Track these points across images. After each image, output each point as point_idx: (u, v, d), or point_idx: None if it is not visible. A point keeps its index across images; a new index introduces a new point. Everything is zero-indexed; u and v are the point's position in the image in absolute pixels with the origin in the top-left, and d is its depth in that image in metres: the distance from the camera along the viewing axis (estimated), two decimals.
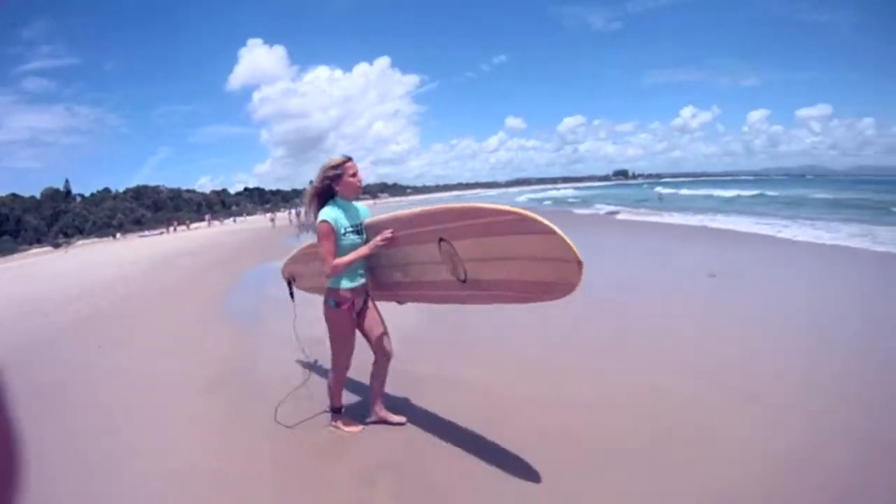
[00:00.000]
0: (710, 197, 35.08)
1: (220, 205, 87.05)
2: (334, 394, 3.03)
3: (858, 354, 3.85)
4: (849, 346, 4.05)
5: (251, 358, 4.58)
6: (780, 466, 2.45)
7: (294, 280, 3.87)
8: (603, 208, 27.38)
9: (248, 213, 76.54)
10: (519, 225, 2.25)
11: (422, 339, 4.60)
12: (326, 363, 3.10)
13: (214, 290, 8.75)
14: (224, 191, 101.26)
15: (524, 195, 66.83)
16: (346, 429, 3.01)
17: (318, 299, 2.98)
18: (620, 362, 3.87)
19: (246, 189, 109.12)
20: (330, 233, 2.71)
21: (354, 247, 2.76)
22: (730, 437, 2.76)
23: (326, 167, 2.77)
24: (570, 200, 41.84)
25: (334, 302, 2.83)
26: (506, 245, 2.33)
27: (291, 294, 3.82)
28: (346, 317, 2.85)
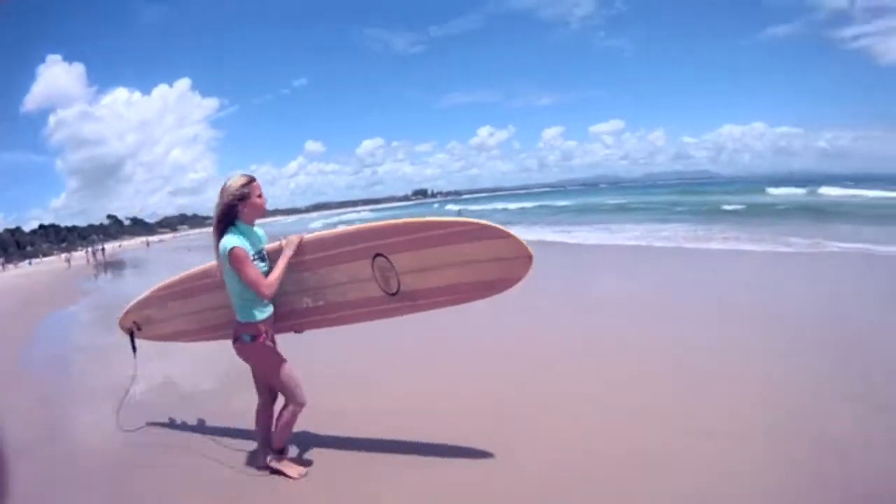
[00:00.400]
0: (503, 210, 37.55)
1: (14, 245, 78.49)
2: (280, 435, 2.52)
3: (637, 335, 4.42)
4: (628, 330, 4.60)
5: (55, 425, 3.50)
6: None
7: (139, 329, 3.05)
8: None
9: (44, 254, 66.78)
10: (478, 233, 2.32)
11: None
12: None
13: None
14: (18, 229, 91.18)
15: (320, 220, 65.06)
16: (291, 473, 2.50)
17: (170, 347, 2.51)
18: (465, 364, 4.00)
19: (41, 226, 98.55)
20: (247, 257, 2.27)
21: (262, 275, 2.35)
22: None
23: (233, 187, 2.34)
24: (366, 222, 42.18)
25: (250, 336, 2.38)
26: (455, 252, 2.33)
27: (134, 347, 3.03)
28: (269, 347, 2.43)
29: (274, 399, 2.59)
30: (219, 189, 2.36)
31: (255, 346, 2.38)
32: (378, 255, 2.40)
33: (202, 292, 2.77)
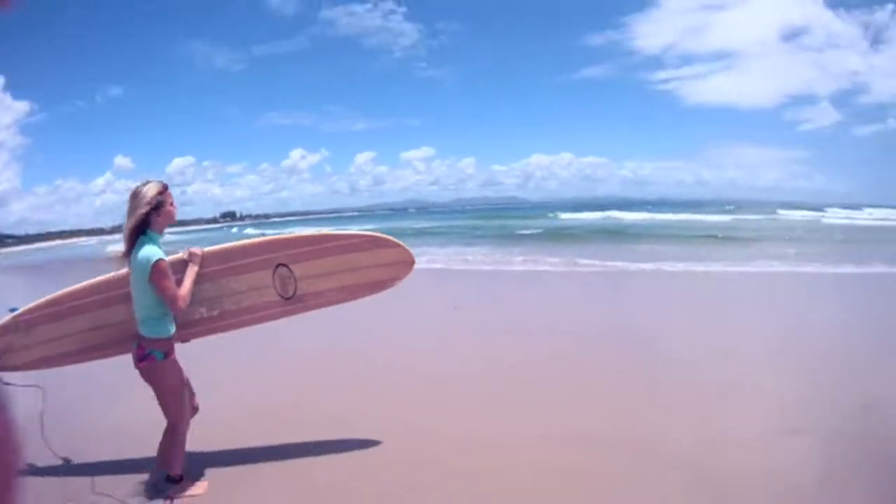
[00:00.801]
0: None
1: None
2: (176, 460, 2.48)
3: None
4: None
5: None
6: None
7: None
8: None
9: None
10: (366, 243, 2.87)
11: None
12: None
13: None
14: None
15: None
16: (198, 492, 2.50)
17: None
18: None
19: None
20: (169, 270, 2.33)
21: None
22: None
23: (149, 194, 2.33)
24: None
25: (163, 354, 2.38)
26: (350, 260, 2.85)
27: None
28: (178, 366, 2.45)
29: (195, 413, 2.61)
30: (130, 196, 2.36)
31: (166, 363, 2.39)
32: (280, 265, 2.76)
33: (88, 310, 2.66)
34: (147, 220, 2.35)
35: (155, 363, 2.38)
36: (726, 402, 3.49)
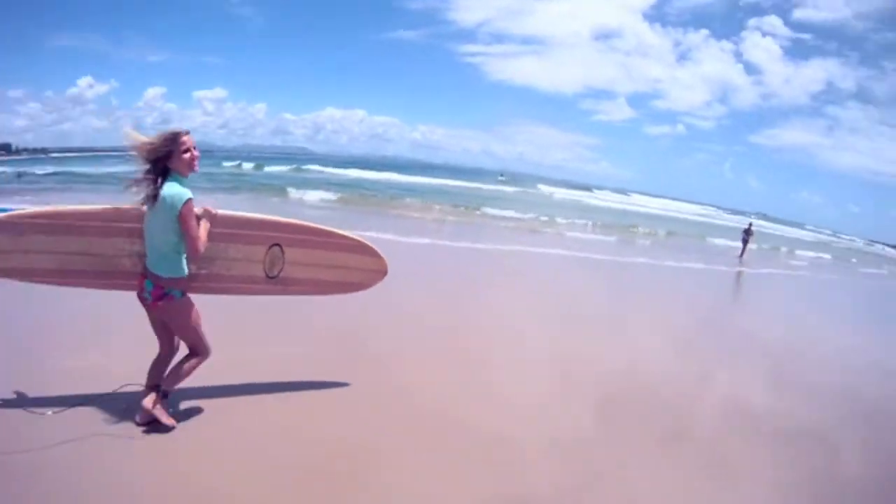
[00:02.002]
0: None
1: None
2: (177, 381, 2.72)
3: None
4: None
5: None
6: None
7: None
8: None
9: None
10: (356, 247, 3.36)
11: None
12: None
13: None
14: None
15: None
16: (169, 422, 2.68)
17: None
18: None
19: None
20: (195, 211, 2.56)
21: None
22: None
23: (178, 133, 2.54)
24: None
25: (181, 292, 2.61)
26: (336, 257, 3.31)
27: None
28: (193, 302, 2.68)
29: (172, 353, 2.80)
30: (158, 134, 2.50)
31: (184, 301, 2.62)
32: (275, 244, 3.12)
33: (85, 233, 2.72)
34: (166, 158, 2.50)
35: (174, 301, 2.59)
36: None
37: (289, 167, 32.69)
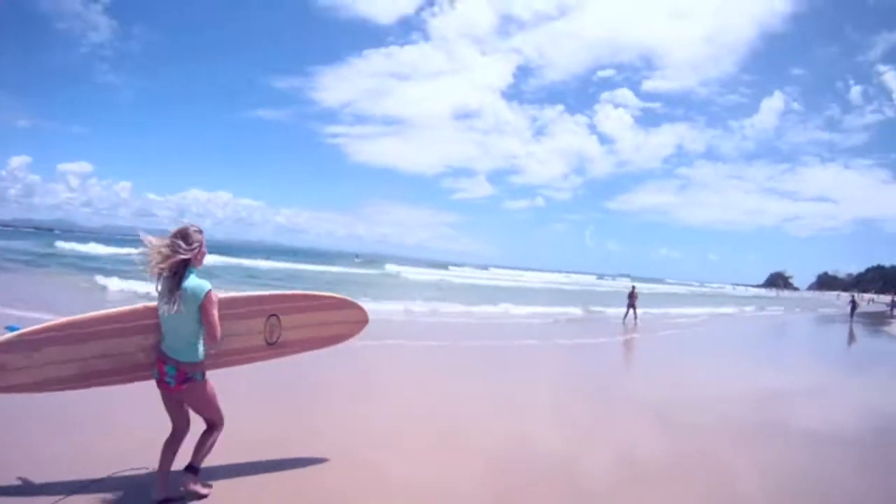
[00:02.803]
0: None
1: None
2: (203, 455, 3.00)
3: None
4: None
5: None
6: None
7: None
8: None
9: None
10: (340, 303, 3.86)
11: None
12: None
13: None
14: None
15: None
16: (206, 491, 2.97)
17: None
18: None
19: None
20: (217, 301, 2.88)
21: None
22: None
23: (198, 234, 2.87)
24: None
25: (202, 375, 2.93)
26: (324, 316, 3.82)
27: None
28: (211, 382, 2.98)
29: (187, 430, 3.03)
30: (179, 236, 2.81)
31: (204, 383, 2.94)
32: (273, 315, 3.57)
33: (103, 337, 2.96)
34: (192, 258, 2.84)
35: (196, 384, 2.90)
36: None
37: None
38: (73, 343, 2.93)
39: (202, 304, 2.81)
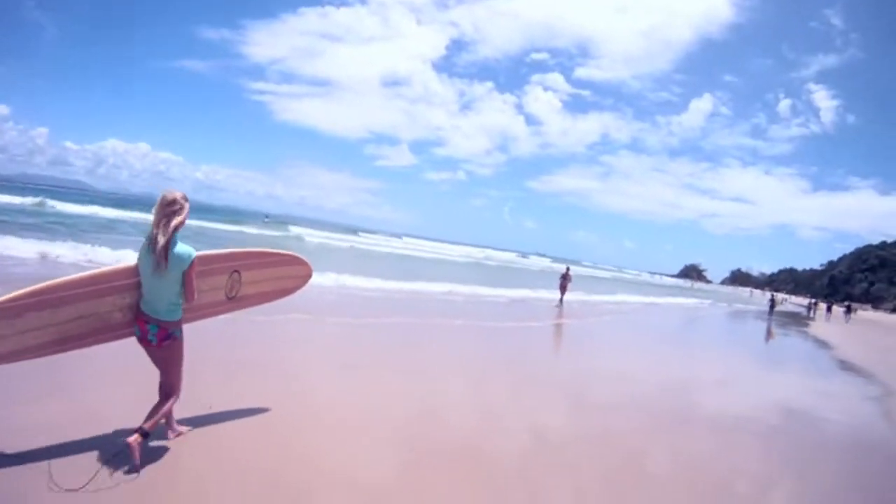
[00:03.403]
0: None
1: None
2: (160, 417, 3.09)
3: None
4: None
5: None
6: None
7: None
8: None
9: None
10: (291, 259, 4.25)
11: None
12: None
13: None
14: None
15: None
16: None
17: None
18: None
19: None
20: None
21: None
22: None
23: (185, 205, 2.95)
24: None
25: (179, 332, 3.11)
26: (276, 271, 4.16)
27: None
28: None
29: None
30: (164, 197, 2.91)
31: (181, 340, 3.13)
32: (235, 271, 3.80)
33: (78, 300, 2.92)
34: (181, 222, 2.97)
35: (175, 340, 3.10)
36: None
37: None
38: (50, 307, 2.89)
39: (187, 269, 3.01)
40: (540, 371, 7.27)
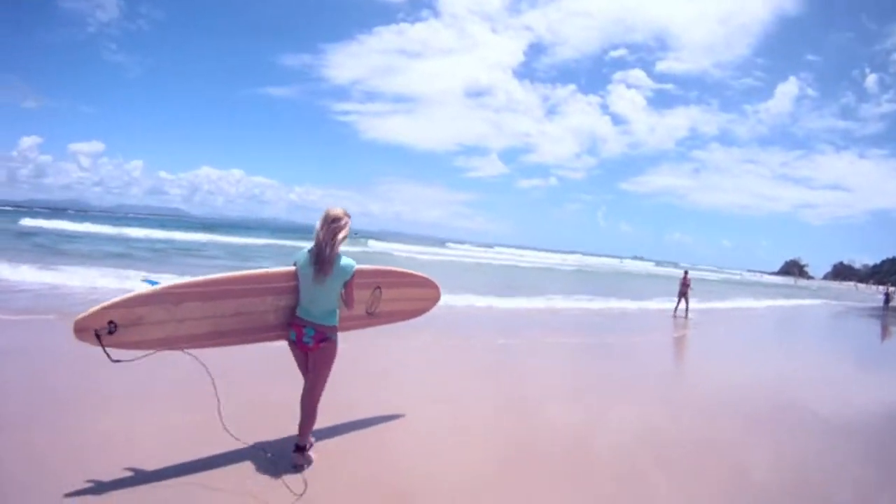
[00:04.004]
0: None
1: None
2: (314, 419, 3.12)
3: None
4: None
5: None
6: None
7: (112, 331, 2.51)
8: None
9: None
10: (423, 281, 4.15)
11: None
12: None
13: None
14: None
15: None
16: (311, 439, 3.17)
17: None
18: None
19: None
20: None
21: None
22: None
23: (345, 215, 3.04)
24: None
25: (336, 335, 3.07)
26: (411, 292, 4.08)
27: (106, 352, 2.55)
28: None
29: None
30: (329, 213, 3.00)
31: (335, 343, 3.10)
32: (377, 287, 3.75)
33: (240, 296, 2.96)
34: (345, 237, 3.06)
35: (331, 342, 3.08)
36: None
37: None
38: (212, 300, 2.92)
39: (349, 280, 3.09)
40: (672, 391, 6.45)
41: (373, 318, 3.81)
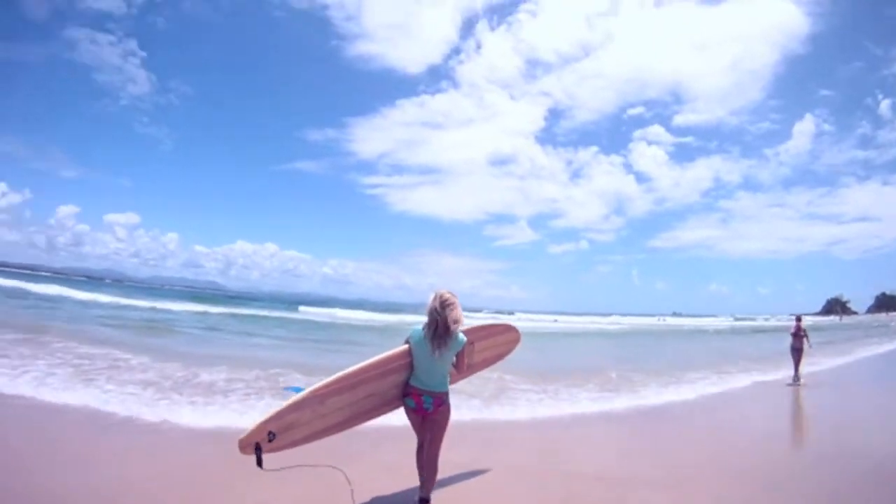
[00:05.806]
0: None
1: None
2: (436, 475, 3.48)
3: None
4: None
5: None
6: None
7: (272, 440, 2.71)
8: None
9: None
10: (504, 329, 4.44)
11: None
12: None
13: None
14: None
15: None
16: None
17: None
18: None
19: None
20: None
21: None
22: None
23: (452, 297, 3.42)
24: None
25: (449, 398, 3.48)
26: (496, 340, 4.35)
27: (260, 462, 2.78)
28: None
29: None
30: (443, 297, 3.37)
31: (449, 405, 3.50)
32: (471, 343, 3.97)
33: (369, 381, 3.37)
34: None
35: (447, 406, 3.50)
36: None
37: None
38: (349, 390, 3.37)
39: (462, 350, 3.52)
40: None
41: (471, 368, 4.05)
